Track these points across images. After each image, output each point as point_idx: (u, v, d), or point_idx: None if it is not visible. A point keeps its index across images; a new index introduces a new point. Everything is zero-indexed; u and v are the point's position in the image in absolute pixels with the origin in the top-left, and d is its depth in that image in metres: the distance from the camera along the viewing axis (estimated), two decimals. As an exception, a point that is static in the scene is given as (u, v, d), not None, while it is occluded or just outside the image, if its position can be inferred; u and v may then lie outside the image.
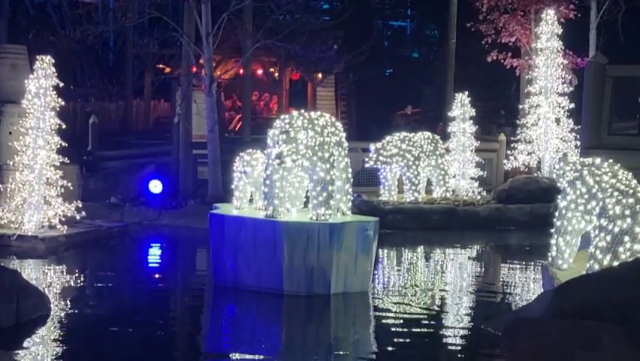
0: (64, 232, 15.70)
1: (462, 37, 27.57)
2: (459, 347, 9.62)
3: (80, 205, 16.19)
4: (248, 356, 9.28)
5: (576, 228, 10.34)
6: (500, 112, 32.08)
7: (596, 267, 9.60)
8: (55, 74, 15.87)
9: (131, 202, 19.57)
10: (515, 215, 19.56)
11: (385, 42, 42.09)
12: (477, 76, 30.85)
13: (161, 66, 32.15)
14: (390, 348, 9.57)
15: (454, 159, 20.64)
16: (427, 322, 10.76)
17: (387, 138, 19.66)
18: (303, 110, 12.16)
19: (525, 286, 13.19)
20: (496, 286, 13.33)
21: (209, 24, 19.16)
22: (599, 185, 10.04)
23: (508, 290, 12.95)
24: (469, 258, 16.12)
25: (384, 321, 10.85)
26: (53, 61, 15.91)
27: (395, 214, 18.63)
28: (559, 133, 22.48)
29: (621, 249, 9.48)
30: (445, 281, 13.80)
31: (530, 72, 23.18)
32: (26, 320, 9.87)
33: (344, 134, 12.37)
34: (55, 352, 9.03)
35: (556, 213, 10.64)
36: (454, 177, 20.56)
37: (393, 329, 10.37)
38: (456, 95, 21.39)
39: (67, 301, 11.35)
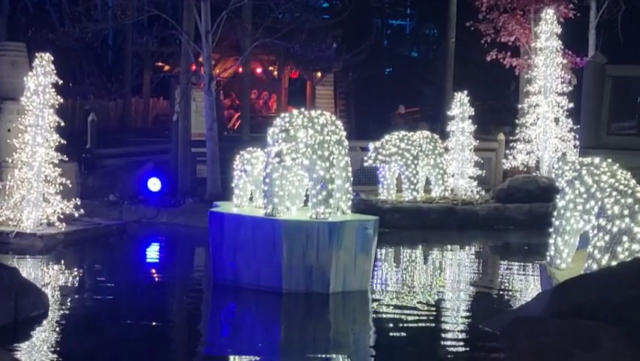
0: (63, 229, 15.70)
1: (461, 37, 27.59)
2: (458, 347, 9.62)
3: (79, 203, 16.20)
4: (246, 354, 9.27)
5: (575, 227, 10.34)
6: (499, 112, 32.07)
7: (595, 267, 9.59)
8: (54, 71, 15.87)
9: (129, 200, 19.57)
10: (514, 214, 19.58)
11: (385, 41, 42.03)
12: (476, 75, 30.83)
13: (160, 64, 32.10)
14: (388, 347, 9.57)
15: (453, 158, 20.67)
16: (425, 321, 10.77)
17: (386, 137, 19.69)
18: (302, 109, 12.16)
19: (524, 285, 13.19)
20: (495, 286, 13.33)
21: (208, 22, 19.15)
22: (598, 185, 10.03)
23: (507, 290, 12.95)
24: (467, 257, 16.13)
25: (383, 320, 10.85)
26: (52, 58, 15.91)
27: (394, 213, 18.63)
28: (558, 133, 22.49)
29: (619, 249, 9.47)
30: (444, 280, 13.81)
31: (529, 72, 23.19)
32: (24, 317, 9.86)
33: (344, 133, 12.36)
34: (53, 349, 9.02)
35: (555, 213, 10.63)
36: (453, 176, 20.58)
37: (392, 328, 10.37)
38: (455, 94, 21.41)
39: (66, 299, 11.34)
